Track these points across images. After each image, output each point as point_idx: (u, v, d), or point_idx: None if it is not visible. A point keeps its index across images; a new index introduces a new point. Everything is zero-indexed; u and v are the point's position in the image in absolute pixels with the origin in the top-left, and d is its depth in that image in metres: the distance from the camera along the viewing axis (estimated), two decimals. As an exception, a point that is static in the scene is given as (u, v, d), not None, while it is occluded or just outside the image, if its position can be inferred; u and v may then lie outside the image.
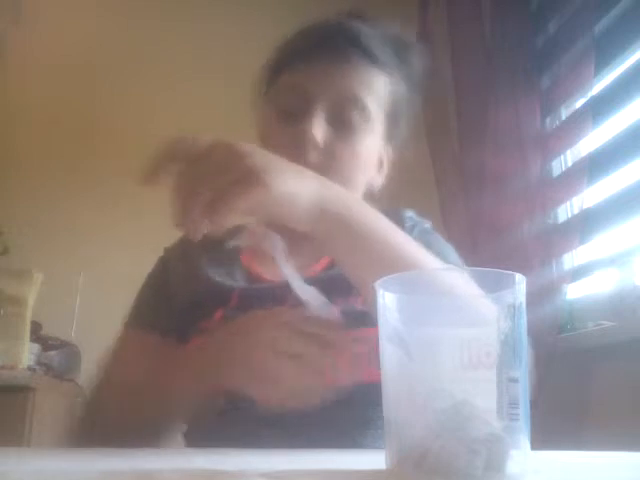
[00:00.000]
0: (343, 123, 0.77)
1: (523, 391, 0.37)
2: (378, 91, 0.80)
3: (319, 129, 0.75)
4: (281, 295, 0.77)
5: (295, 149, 0.75)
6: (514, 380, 0.37)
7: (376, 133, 0.81)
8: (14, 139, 2.15)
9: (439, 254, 0.67)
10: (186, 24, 2.27)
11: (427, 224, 0.89)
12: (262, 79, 0.86)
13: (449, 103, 2.08)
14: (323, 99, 0.76)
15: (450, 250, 0.86)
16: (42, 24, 2.21)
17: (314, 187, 0.58)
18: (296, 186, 0.56)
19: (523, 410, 0.37)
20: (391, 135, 0.85)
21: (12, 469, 0.43)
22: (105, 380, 0.81)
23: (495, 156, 1.78)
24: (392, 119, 0.83)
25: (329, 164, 0.76)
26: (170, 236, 0.91)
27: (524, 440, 0.37)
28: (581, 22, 1.61)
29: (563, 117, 1.79)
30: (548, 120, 1.82)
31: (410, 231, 0.84)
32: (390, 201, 0.89)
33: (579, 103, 1.67)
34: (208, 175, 0.54)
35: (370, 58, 0.78)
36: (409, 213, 0.89)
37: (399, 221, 0.84)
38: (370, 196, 0.86)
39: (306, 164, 0.74)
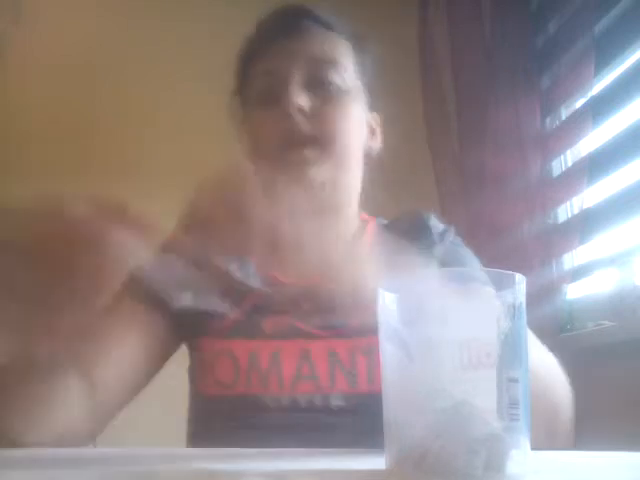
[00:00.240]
0: (323, 85, 0.79)
1: (523, 391, 0.37)
2: (345, 52, 0.84)
3: (300, 94, 0.77)
4: (298, 298, 0.77)
5: (284, 125, 0.77)
6: (514, 380, 0.37)
7: (356, 94, 0.83)
8: (14, 139, 2.15)
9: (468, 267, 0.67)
10: (186, 24, 2.27)
11: (452, 232, 0.88)
12: (235, 80, 0.88)
13: (449, 103, 2.08)
14: (297, 69, 0.79)
15: (476, 262, 0.86)
16: (42, 24, 2.21)
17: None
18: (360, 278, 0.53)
19: (523, 410, 0.37)
20: (371, 100, 0.87)
21: (12, 470, 0.43)
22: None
23: (495, 156, 1.78)
24: (364, 83, 0.85)
25: (321, 130, 0.77)
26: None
27: (524, 440, 0.37)
28: (581, 22, 1.60)
29: (563, 117, 1.78)
30: (548, 120, 1.82)
31: (439, 240, 0.84)
32: (390, 201, 0.90)
33: (579, 103, 1.67)
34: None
35: (330, 27, 0.83)
36: (433, 220, 0.87)
37: (424, 228, 0.84)
38: (369, 160, 0.87)
39: (299, 135, 0.76)
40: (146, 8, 2.29)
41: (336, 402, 0.71)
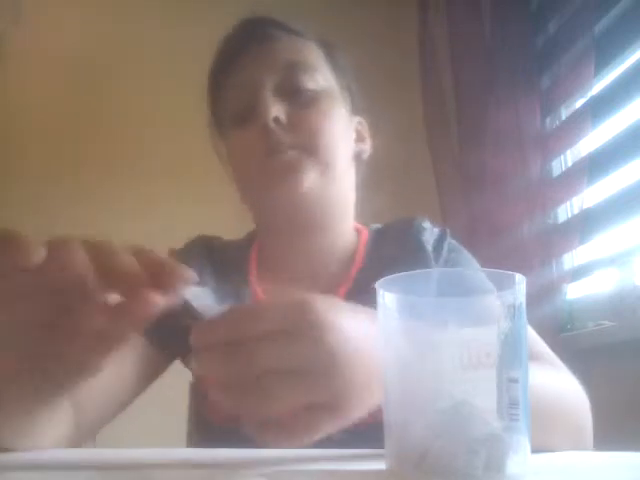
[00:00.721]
0: (297, 92, 0.77)
1: (523, 391, 0.37)
2: (315, 55, 0.81)
3: (274, 104, 0.74)
4: None
5: (262, 138, 0.74)
6: (514, 380, 0.37)
7: (335, 97, 0.80)
8: (14, 139, 2.15)
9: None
10: (187, 24, 2.27)
11: (447, 239, 0.83)
12: (209, 105, 0.85)
13: (449, 104, 2.08)
14: (267, 78, 0.76)
15: (475, 265, 0.83)
16: (42, 24, 2.21)
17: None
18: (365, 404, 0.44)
19: (523, 410, 0.37)
20: (352, 104, 0.85)
21: (10, 471, 0.43)
22: None
23: (495, 156, 1.78)
24: (342, 86, 0.83)
25: (302, 136, 0.75)
26: (171, 238, 0.90)
27: (524, 440, 0.37)
28: (581, 22, 1.60)
29: (563, 117, 1.78)
30: (548, 120, 1.82)
31: (437, 250, 0.80)
32: (390, 202, 0.89)
33: (579, 103, 1.67)
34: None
35: (294, 32, 0.81)
36: (426, 234, 0.82)
37: (417, 235, 0.81)
38: (359, 164, 0.85)
39: (279, 144, 0.73)
40: (146, 8, 2.29)
41: (339, 434, 0.70)
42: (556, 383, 0.65)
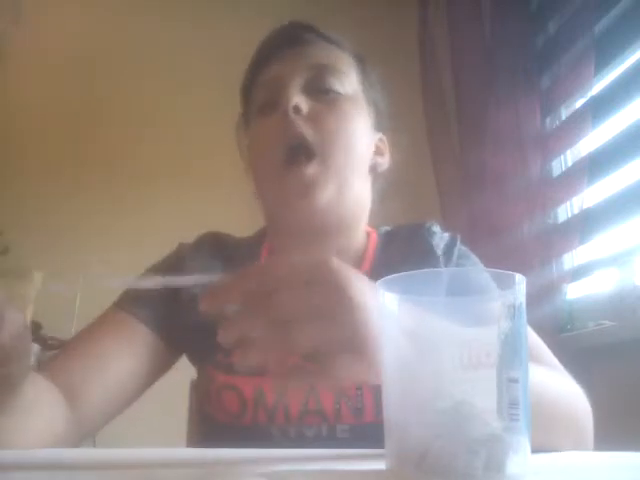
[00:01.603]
0: (323, 92, 0.79)
1: (523, 391, 0.37)
2: (346, 63, 0.83)
3: (298, 96, 0.76)
4: None
5: (281, 126, 0.75)
6: (514, 380, 0.37)
7: (359, 104, 0.82)
8: (14, 139, 2.15)
9: None
10: (188, 24, 2.27)
11: (458, 244, 0.84)
12: (241, 100, 0.87)
13: (449, 104, 2.08)
14: (297, 74, 0.79)
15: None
16: (42, 24, 2.21)
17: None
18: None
19: (523, 410, 0.37)
20: (377, 120, 0.86)
21: (11, 471, 0.43)
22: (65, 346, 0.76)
23: (495, 156, 1.78)
24: (368, 99, 0.84)
25: (320, 132, 0.76)
26: (170, 237, 0.90)
27: (524, 440, 0.37)
28: (581, 22, 1.61)
29: (563, 117, 1.78)
30: (548, 120, 1.82)
31: (447, 255, 0.81)
32: (391, 202, 0.89)
33: (579, 103, 1.67)
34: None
35: (329, 40, 0.83)
36: (436, 238, 0.83)
37: (427, 238, 0.82)
38: (375, 176, 0.86)
39: (297, 138, 0.75)
40: (147, 8, 2.29)
41: (342, 433, 0.71)
42: (557, 383, 0.65)
